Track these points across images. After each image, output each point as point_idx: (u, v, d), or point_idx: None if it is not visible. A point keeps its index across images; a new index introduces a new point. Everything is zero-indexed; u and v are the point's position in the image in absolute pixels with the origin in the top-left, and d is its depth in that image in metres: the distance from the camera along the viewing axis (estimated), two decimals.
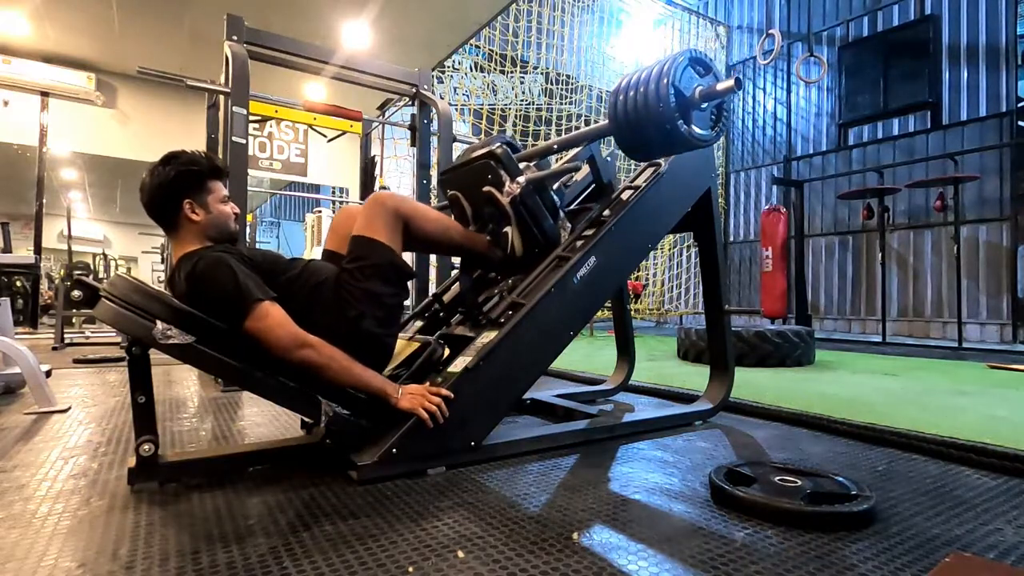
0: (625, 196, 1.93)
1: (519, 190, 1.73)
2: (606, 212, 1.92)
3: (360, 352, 1.46)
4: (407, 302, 2.06)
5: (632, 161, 2.05)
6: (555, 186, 1.93)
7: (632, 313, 3.37)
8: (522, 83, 8.14)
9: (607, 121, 1.68)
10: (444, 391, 1.46)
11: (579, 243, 1.80)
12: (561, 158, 2.19)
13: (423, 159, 3.63)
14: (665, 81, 1.49)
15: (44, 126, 6.23)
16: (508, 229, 1.77)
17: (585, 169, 2.10)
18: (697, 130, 1.56)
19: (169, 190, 1.45)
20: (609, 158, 2.11)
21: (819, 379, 3.21)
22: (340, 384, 1.39)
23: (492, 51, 7.56)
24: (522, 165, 1.84)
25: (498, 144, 1.79)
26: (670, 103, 1.48)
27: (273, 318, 1.33)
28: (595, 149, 2.03)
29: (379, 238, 1.54)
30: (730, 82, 1.50)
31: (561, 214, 1.91)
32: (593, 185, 2.13)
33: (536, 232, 1.80)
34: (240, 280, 1.33)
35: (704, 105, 1.57)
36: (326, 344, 1.37)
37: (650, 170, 2.01)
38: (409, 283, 1.68)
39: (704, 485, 1.38)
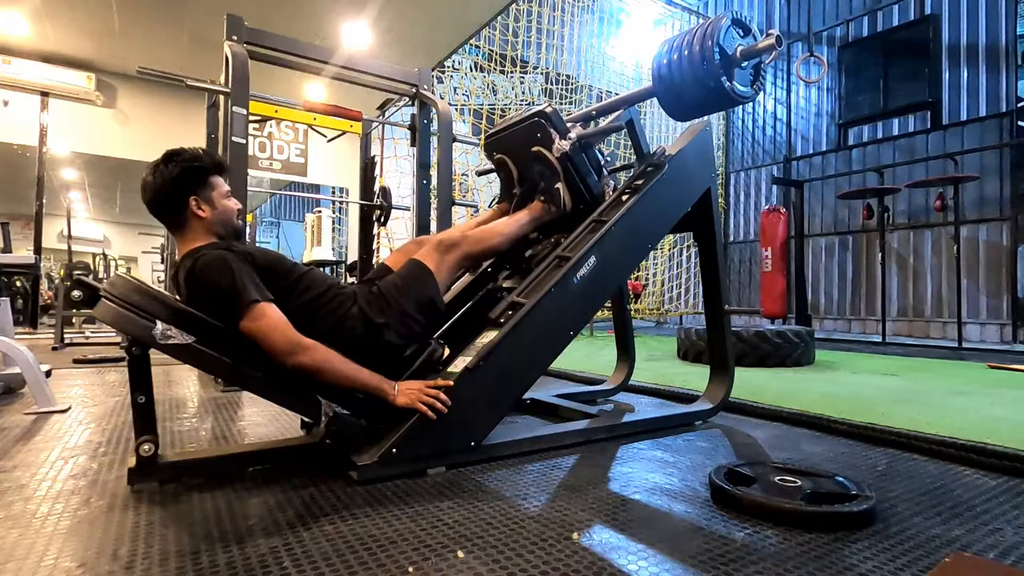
0: (625, 197, 1.93)
1: (568, 147, 1.79)
2: (649, 169, 1.95)
3: (372, 358, 1.47)
4: None
5: (633, 160, 2.06)
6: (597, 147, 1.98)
7: (632, 313, 3.36)
8: (522, 83, 8.13)
9: (648, 84, 1.77)
10: (442, 382, 1.46)
11: (579, 242, 1.81)
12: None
13: (423, 159, 3.63)
14: (710, 42, 1.57)
15: (44, 126, 6.24)
16: (559, 185, 1.84)
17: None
18: (739, 87, 1.65)
19: (174, 187, 1.45)
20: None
21: (819, 379, 3.21)
22: (337, 385, 1.40)
23: (492, 51, 7.55)
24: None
25: (547, 104, 1.86)
26: (715, 61, 1.57)
27: (269, 319, 1.33)
28: (635, 114, 2.05)
29: (436, 275, 1.64)
30: (770, 39, 1.58)
31: (604, 172, 1.97)
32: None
33: (583, 188, 1.86)
34: (238, 279, 1.33)
35: (744, 64, 1.65)
36: (321, 347, 1.37)
37: (650, 170, 2.01)
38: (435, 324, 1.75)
39: (704, 485, 1.38)
